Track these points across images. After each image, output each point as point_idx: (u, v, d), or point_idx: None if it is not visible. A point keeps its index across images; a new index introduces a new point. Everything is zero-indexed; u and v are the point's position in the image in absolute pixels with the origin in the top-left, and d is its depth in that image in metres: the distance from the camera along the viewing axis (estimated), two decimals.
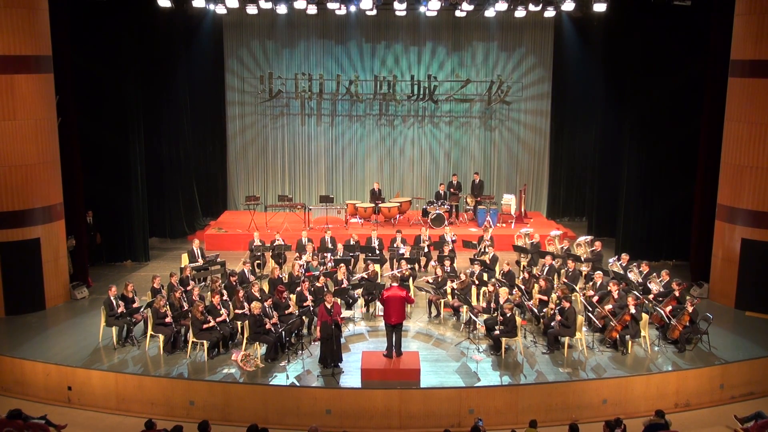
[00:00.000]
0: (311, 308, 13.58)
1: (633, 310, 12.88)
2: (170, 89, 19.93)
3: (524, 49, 21.75)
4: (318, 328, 12.70)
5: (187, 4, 18.16)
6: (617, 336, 13.02)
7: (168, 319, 12.98)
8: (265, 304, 12.97)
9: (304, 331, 13.66)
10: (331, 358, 12.26)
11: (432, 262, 16.62)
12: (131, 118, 17.62)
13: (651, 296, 14.22)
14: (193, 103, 20.77)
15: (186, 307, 13.39)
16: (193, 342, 12.79)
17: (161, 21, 19.02)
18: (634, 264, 15.52)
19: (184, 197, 20.59)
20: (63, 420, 11.17)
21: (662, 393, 11.92)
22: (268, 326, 12.56)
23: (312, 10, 19.01)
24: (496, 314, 13.10)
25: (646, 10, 17.27)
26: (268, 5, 18.53)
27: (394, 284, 12.74)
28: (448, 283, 14.87)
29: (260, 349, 12.71)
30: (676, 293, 13.81)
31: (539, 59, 21.80)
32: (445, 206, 20.19)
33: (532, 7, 18.20)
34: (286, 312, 13.27)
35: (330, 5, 18.29)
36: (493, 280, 14.80)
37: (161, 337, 12.89)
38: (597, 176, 20.82)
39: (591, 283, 14.87)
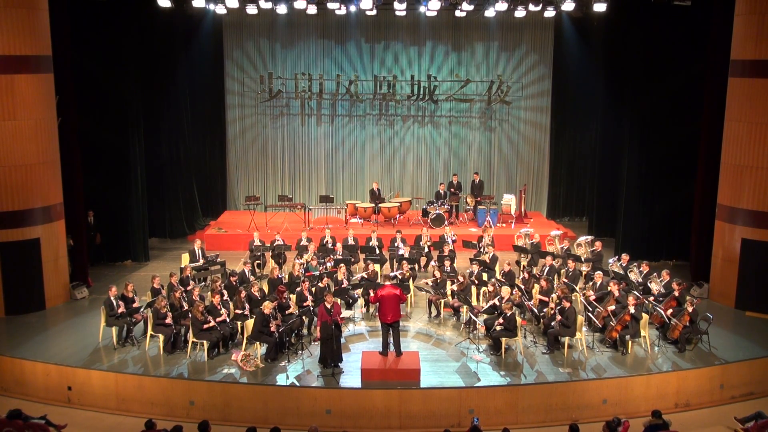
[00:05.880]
0: (311, 308, 13.58)
1: (633, 310, 12.88)
2: (170, 89, 19.94)
3: (524, 49, 21.75)
4: (318, 328, 12.72)
5: (187, 4, 18.16)
6: (617, 336, 13.02)
7: (168, 320, 12.98)
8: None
9: (304, 331, 13.66)
10: (331, 358, 12.25)
11: (432, 262, 16.62)
12: (131, 118, 17.62)
13: (652, 298, 14.21)
14: (193, 103, 20.78)
15: (186, 307, 13.39)
16: (193, 342, 12.79)
17: (161, 21, 19.01)
18: (635, 264, 15.52)
19: (184, 197, 20.60)
20: (63, 420, 11.17)
21: (662, 393, 11.92)
22: (272, 328, 12.55)
23: (312, 10, 19.02)
24: (495, 313, 13.12)
25: (646, 10, 17.27)
26: (268, 5, 18.54)
27: (387, 283, 12.75)
28: (448, 284, 14.88)
29: (260, 349, 12.70)
30: (676, 293, 13.81)
31: (539, 59, 21.80)
32: (445, 206, 20.19)
33: (532, 7, 18.20)
34: (287, 312, 13.27)
35: (330, 5, 18.29)
36: (493, 280, 14.80)
37: (161, 337, 12.88)
38: (597, 176, 20.83)
39: (591, 283, 14.87)
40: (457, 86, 21.71)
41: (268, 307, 12.66)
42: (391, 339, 12.47)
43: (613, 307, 13.32)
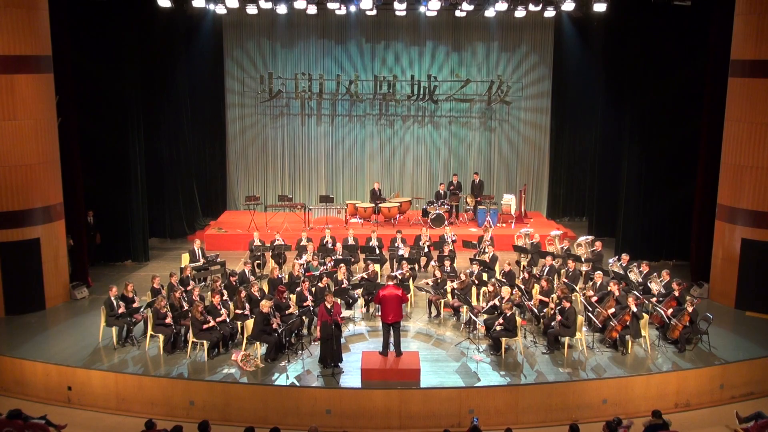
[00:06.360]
0: (311, 308, 13.58)
1: (634, 308, 12.87)
2: (170, 89, 19.93)
3: (524, 49, 21.76)
4: (318, 328, 12.71)
5: (187, 4, 18.17)
6: (617, 336, 13.02)
7: (168, 320, 12.97)
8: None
9: (304, 331, 13.66)
10: (331, 358, 12.25)
11: (432, 262, 16.62)
12: (131, 118, 17.61)
13: (653, 299, 14.21)
14: (193, 103, 20.78)
15: (186, 307, 13.39)
16: (193, 342, 12.79)
17: (161, 21, 19.00)
18: (635, 264, 15.53)
19: (184, 197, 20.59)
20: (63, 420, 11.17)
21: (662, 393, 11.92)
22: (274, 326, 12.55)
23: (312, 10, 19.02)
24: (495, 313, 13.12)
25: (646, 10, 17.27)
26: (268, 5, 18.53)
27: (390, 283, 12.75)
28: (448, 283, 14.88)
29: (260, 349, 12.70)
30: (676, 293, 13.81)
31: (539, 59, 21.81)
32: (445, 206, 20.19)
33: (532, 7, 18.19)
34: (287, 312, 13.27)
35: (330, 5, 18.29)
36: (493, 280, 14.80)
37: (161, 337, 12.88)
38: (597, 176, 20.82)
39: (591, 283, 14.87)
40: (457, 86, 21.71)
41: (266, 305, 12.66)
42: (392, 339, 12.48)
43: (612, 309, 13.30)
